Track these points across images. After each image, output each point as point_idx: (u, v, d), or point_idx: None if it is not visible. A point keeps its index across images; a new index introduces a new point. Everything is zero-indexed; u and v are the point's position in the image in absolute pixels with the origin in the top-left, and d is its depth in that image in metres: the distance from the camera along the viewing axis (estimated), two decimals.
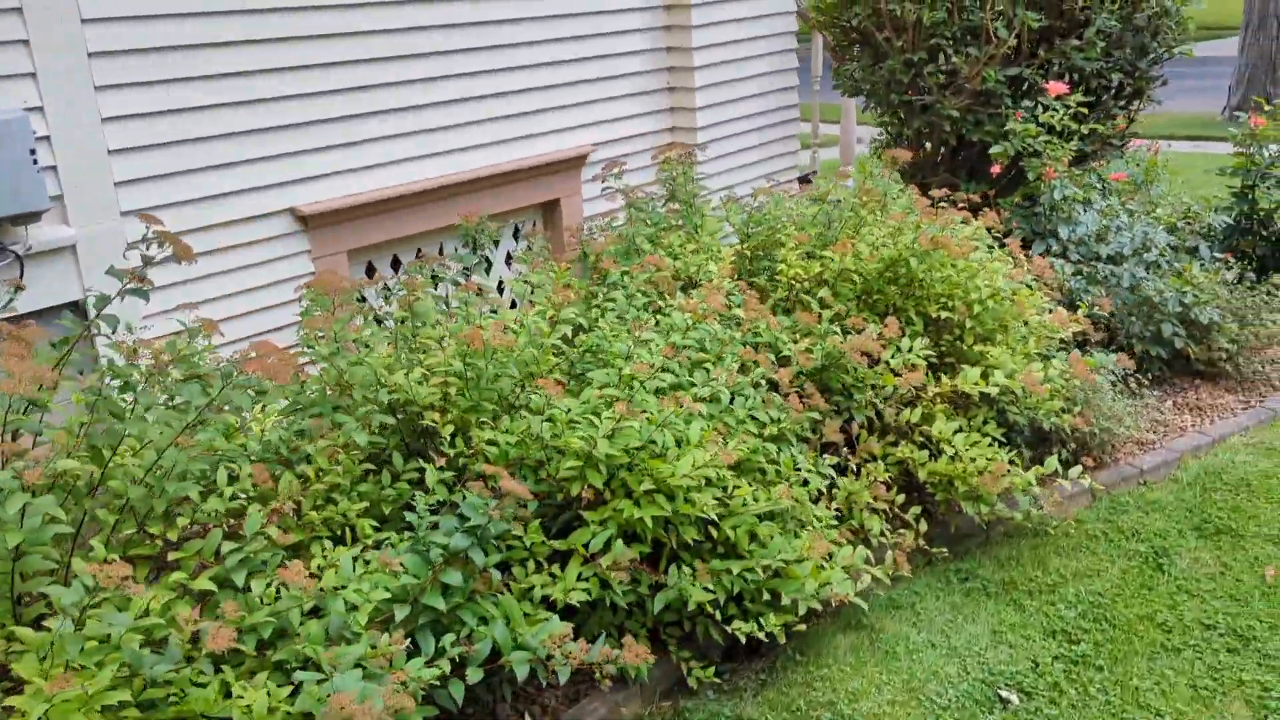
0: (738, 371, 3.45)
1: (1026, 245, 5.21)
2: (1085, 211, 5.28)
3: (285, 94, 3.85)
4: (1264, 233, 6.03)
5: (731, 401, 3.25)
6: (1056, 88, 5.08)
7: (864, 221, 4.08)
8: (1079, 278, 4.88)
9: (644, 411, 2.81)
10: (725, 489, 3.04)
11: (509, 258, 4.85)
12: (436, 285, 3.68)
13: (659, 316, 3.40)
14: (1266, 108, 5.90)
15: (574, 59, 4.85)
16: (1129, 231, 5.14)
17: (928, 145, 5.82)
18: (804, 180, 7.45)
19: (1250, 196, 6.02)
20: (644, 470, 2.81)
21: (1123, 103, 5.90)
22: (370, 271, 4.37)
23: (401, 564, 2.47)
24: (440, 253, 4.55)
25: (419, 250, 4.49)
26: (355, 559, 2.53)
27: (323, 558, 2.61)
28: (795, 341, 3.75)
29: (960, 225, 4.34)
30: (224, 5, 3.67)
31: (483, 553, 2.55)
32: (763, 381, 3.36)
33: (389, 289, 4.04)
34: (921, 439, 3.92)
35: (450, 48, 4.38)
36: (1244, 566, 3.85)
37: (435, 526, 2.64)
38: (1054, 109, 5.13)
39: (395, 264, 4.47)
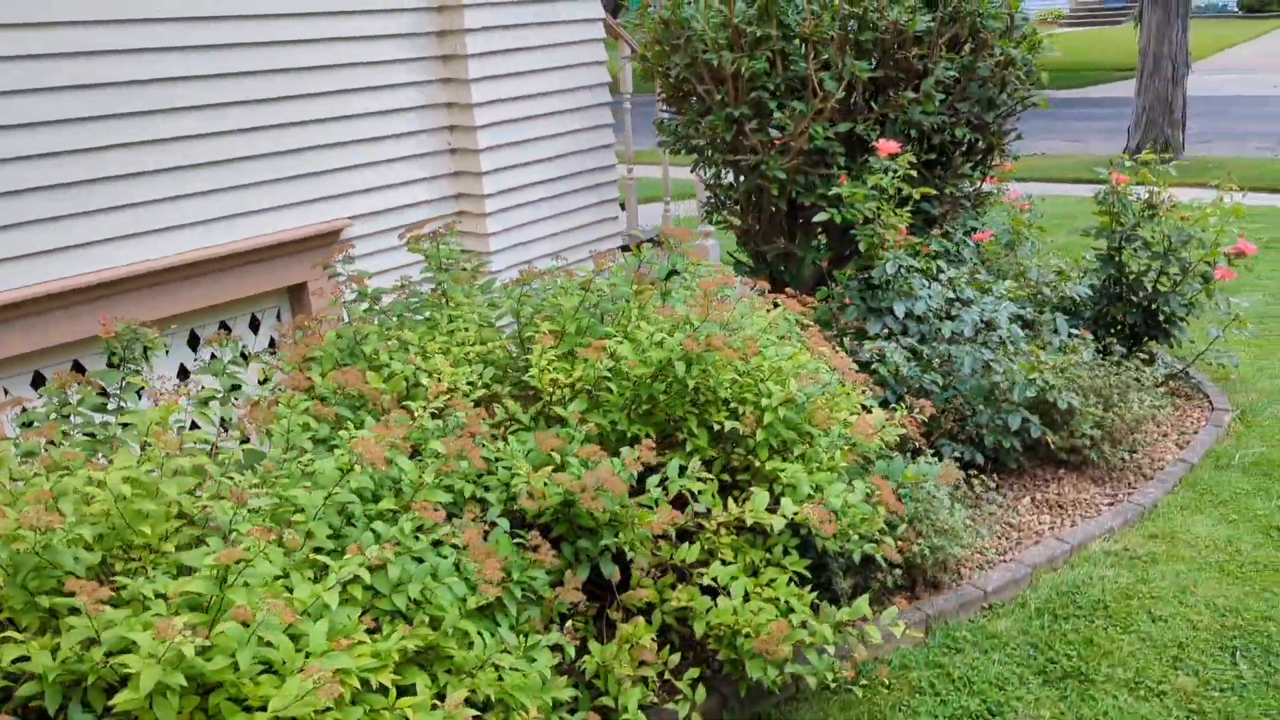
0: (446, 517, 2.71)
1: (862, 325, 4.58)
2: (930, 284, 4.66)
3: None
4: (1134, 299, 5.49)
5: (422, 563, 2.51)
6: (887, 146, 4.48)
7: (629, 316, 3.39)
8: (913, 364, 4.24)
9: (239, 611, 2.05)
10: (389, 693, 2.29)
11: (245, 356, 4.07)
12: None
13: (338, 453, 2.66)
14: (1128, 163, 5.38)
15: (323, 118, 4.12)
16: (977, 306, 4.53)
17: (760, 209, 5.19)
18: (654, 244, 6.78)
19: (1117, 260, 5.48)
20: (240, 694, 2.05)
21: (975, 160, 5.34)
22: (39, 383, 3.56)
23: None
24: (145, 356, 3.75)
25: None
26: None
27: None
28: (539, 469, 3.03)
29: (759, 313, 3.68)
30: None
31: None
32: (461, 532, 2.62)
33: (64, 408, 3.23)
34: (705, 580, 3.21)
35: (146, 108, 3.62)
36: None
37: None
38: (888, 169, 4.53)
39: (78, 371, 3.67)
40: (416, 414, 2.85)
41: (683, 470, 3.19)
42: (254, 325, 4.14)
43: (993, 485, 4.41)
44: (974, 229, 6.55)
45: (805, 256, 5.10)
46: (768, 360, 3.40)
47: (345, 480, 2.41)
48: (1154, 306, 5.42)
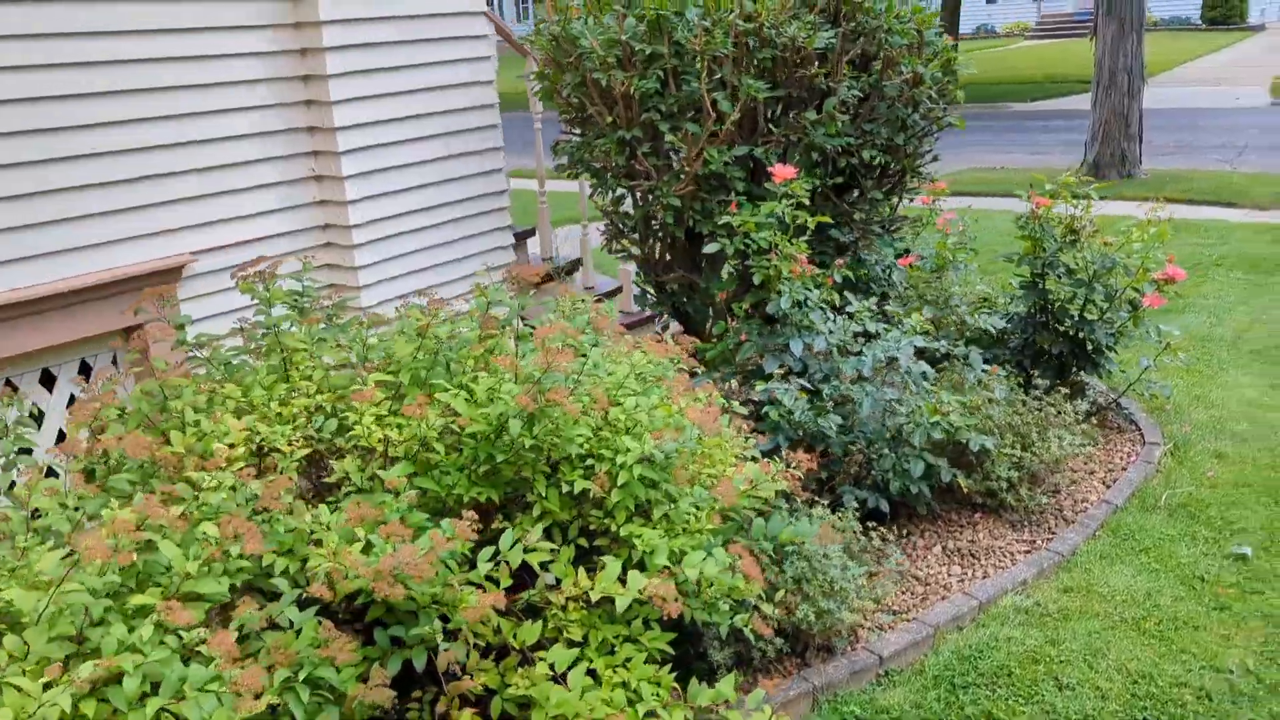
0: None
1: (760, 363, 4.26)
2: (833, 318, 4.36)
3: None
4: (1060, 328, 5.20)
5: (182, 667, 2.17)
6: (783, 172, 4.17)
7: (467, 367, 3.06)
8: (808, 408, 3.93)
9: None
10: None
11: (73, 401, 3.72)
12: None
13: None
14: (1048, 185, 5.10)
15: (165, 144, 3.78)
16: (884, 341, 4.22)
17: (660, 237, 4.88)
18: (569, 269, 6.45)
19: (1040, 287, 5.20)
20: None
21: (889, 184, 5.04)
22: None
23: None
24: None
25: None
26: None
27: None
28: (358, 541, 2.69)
29: (633, 355, 3.36)
30: None
31: None
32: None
33: None
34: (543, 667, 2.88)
35: None
36: None
37: None
38: (784, 196, 4.22)
39: None
40: (204, 485, 2.51)
41: (516, 545, 2.86)
42: (85, 371, 3.78)
43: (896, 536, 4.10)
44: (905, 251, 6.27)
45: (708, 287, 4.79)
46: (626, 413, 3.08)
47: (80, 576, 2.06)
48: (1080, 336, 5.15)
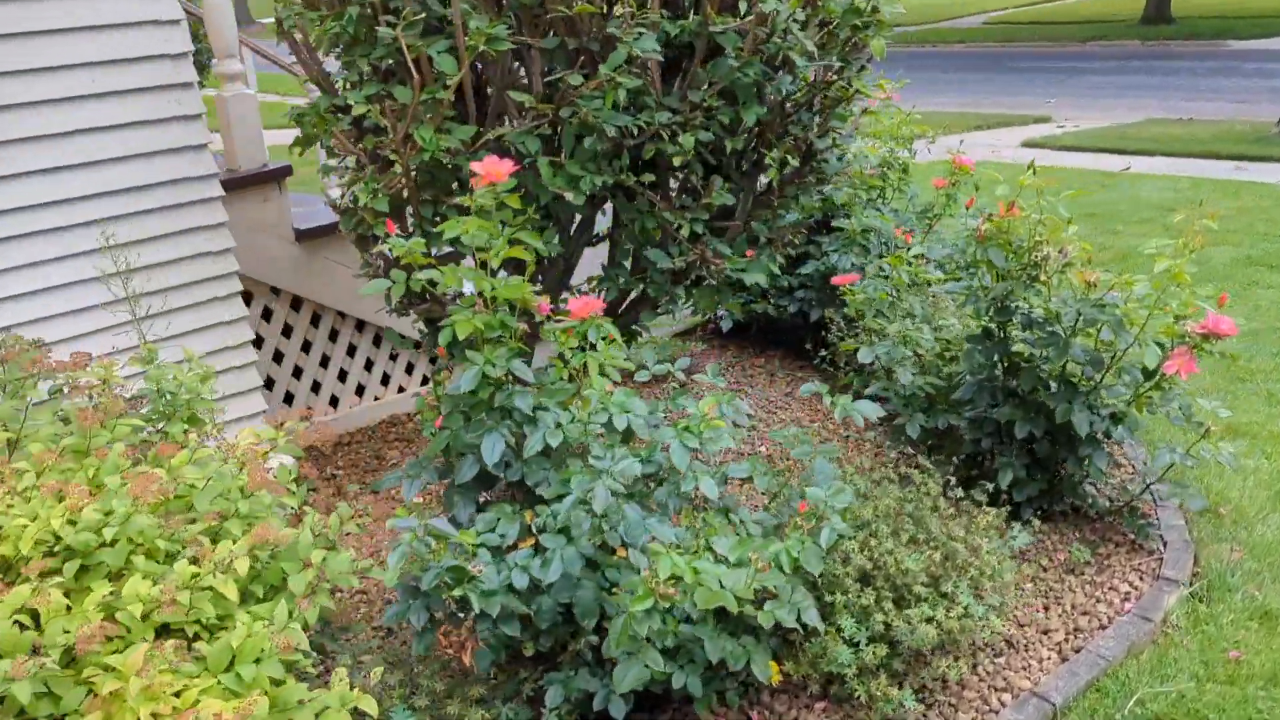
0: None
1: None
2: (621, 395, 2.80)
3: None
4: (1033, 399, 3.42)
5: None
6: (492, 169, 2.60)
7: None
8: (450, 567, 2.41)
9: None
10: None
11: None
12: None
13: None
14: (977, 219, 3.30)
15: None
16: (604, 469, 2.62)
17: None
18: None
19: (999, 338, 3.44)
20: None
21: (754, 182, 3.39)
22: None
23: None
24: None
25: None
26: None
27: None
28: None
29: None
30: None
31: None
32: None
33: None
34: None
35: None
36: None
37: None
38: (500, 208, 2.67)
39: None
40: None
41: None
42: None
43: None
44: (859, 267, 4.61)
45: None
46: None
47: None
48: (1054, 409, 3.37)
